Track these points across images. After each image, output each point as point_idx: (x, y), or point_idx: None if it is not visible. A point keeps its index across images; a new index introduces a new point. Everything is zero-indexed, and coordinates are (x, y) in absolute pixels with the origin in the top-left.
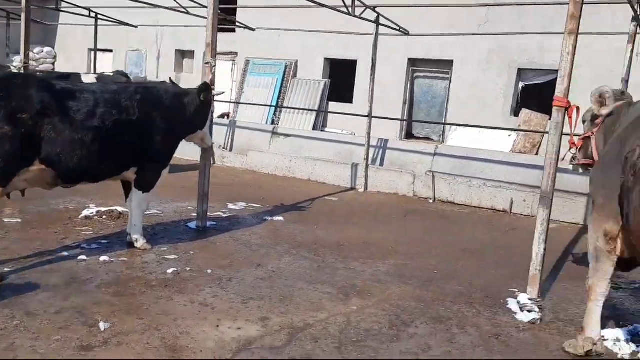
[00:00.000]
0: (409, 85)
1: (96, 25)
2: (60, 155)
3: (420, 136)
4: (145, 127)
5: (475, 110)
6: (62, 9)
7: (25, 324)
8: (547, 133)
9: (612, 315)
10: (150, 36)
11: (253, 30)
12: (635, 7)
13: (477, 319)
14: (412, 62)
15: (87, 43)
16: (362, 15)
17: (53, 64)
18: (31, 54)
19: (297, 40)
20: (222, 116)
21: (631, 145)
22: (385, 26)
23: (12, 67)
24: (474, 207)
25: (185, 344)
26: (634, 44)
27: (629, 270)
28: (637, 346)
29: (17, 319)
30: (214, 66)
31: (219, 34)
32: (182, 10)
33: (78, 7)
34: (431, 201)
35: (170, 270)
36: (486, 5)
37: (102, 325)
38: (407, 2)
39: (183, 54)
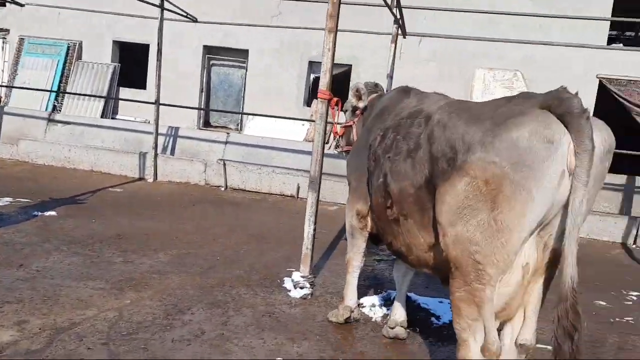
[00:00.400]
0: (205, 73)
1: None
2: None
3: (218, 125)
4: None
5: (271, 100)
6: None
7: None
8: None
9: (372, 284)
10: None
11: (22, 5)
12: (395, 11)
13: (254, 300)
14: (208, 49)
15: None
16: None
17: None
18: None
19: (81, 19)
20: None
21: (374, 134)
22: (171, 11)
23: None
24: (265, 193)
25: None
26: (395, 43)
27: (377, 244)
28: (388, 309)
29: None
30: None
31: None
32: None
33: None
34: (223, 189)
35: None
36: None
37: None
38: None
39: None
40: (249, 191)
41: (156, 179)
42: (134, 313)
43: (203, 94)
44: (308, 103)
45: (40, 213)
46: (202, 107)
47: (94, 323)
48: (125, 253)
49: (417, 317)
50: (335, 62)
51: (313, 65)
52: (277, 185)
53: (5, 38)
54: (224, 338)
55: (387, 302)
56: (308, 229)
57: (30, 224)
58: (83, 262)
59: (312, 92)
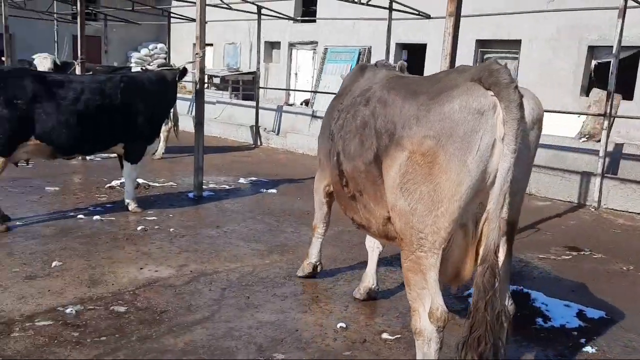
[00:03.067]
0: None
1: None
2: (51, 133)
3: None
4: (128, 110)
5: (545, 91)
6: (173, 14)
7: (1, 261)
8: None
9: None
10: (243, 30)
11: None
12: None
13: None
14: (481, 43)
15: (192, 38)
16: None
17: (165, 58)
18: (146, 50)
19: (371, 27)
20: (303, 103)
21: (334, 113)
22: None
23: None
24: None
25: (105, 279)
26: None
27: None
28: None
29: None
30: (202, 57)
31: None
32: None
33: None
34: None
35: (139, 228)
36: None
37: (54, 264)
38: None
39: (272, 45)
40: None
41: None
42: (263, 270)
43: None
44: (587, 92)
45: (265, 190)
46: None
47: (229, 273)
48: (300, 226)
49: (520, 314)
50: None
51: (594, 50)
52: None
53: (315, 49)
54: (308, 298)
55: None
56: None
57: (251, 198)
58: (263, 228)
59: (593, 80)
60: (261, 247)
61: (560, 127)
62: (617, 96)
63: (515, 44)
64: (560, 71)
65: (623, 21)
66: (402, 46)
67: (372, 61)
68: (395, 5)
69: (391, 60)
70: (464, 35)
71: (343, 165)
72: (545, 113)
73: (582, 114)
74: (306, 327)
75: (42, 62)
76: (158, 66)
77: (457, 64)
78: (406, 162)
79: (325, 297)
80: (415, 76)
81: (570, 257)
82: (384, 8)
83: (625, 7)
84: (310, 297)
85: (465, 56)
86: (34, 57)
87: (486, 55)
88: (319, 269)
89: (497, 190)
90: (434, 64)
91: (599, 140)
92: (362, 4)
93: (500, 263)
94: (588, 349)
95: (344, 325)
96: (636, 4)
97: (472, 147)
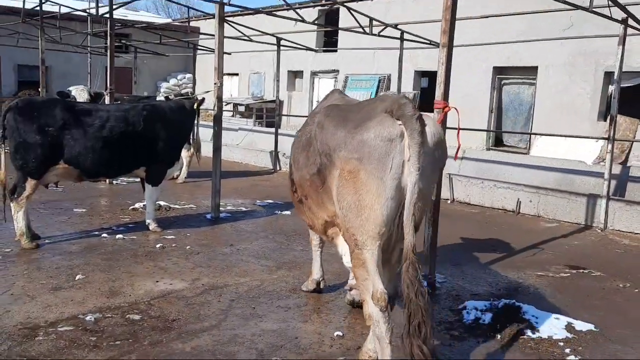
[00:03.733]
0: (495, 93)
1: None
2: (79, 157)
3: (507, 144)
4: (150, 136)
5: (562, 116)
6: (199, 46)
7: (30, 274)
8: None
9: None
10: (267, 60)
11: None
12: None
13: None
14: (498, 70)
15: None
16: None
17: (193, 87)
18: (175, 80)
19: (390, 56)
20: None
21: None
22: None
23: (160, 93)
24: (487, 207)
25: (123, 291)
26: None
27: None
28: None
29: (28, 270)
30: (219, 86)
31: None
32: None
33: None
34: (449, 202)
35: (158, 245)
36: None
37: (78, 277)
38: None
39: (295, 74)
40: (473, 205)
41: None
42: (270, 284)
43: (493, 114)
44: (605, 117)
45: (279, 212)
46: (493, 127)
47: (238, 286)
48: (309, 244)
49: (508, 326)
50: (633, 70)
51: (611, 76)
52: (499, 200)
53: (336, 77)
54: (310, 309)
55: None
56: (427, 232)
57: (265, 219)
58: (273, 246)
59: (610, 106)
60: (270, 264)
61: (580, 151)
62: (635, 120)
63: (532, 70)
64: (577, 97)
65: (623, 48)
66: (421, 73)
67: (392, 88)
68: (407, 36)
69: (411, 87)
70: (480, 63)
71: (294, 175)
72: (561, 138)
73: (585, 138)
74: (305, 335)
75: (80, 94)
76: (175, 95)
77: (474, 91)
78: (338, 178)
79: (326, 309)
80: (350, 104)
81: (569, 274)
82: (396, 39)
83: (625, 34)
84: (312, 309)
85: (483, 83)
86: (70, 88)
87: (503, 82)
88: (322, 284)
89: (407, 200)
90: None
91: (621, 163)
92: (375, 35)
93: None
94: (571, 357)
95: (340, 333)
96: (637, 32)
97: (386, 167)
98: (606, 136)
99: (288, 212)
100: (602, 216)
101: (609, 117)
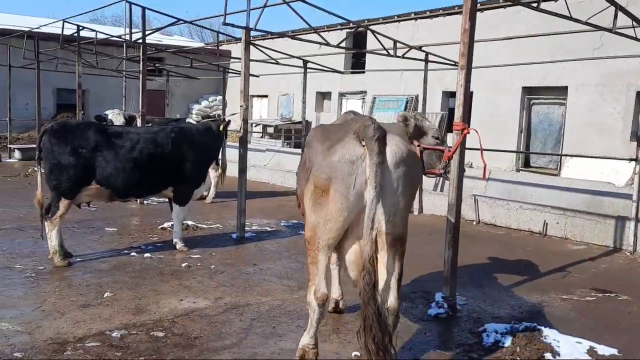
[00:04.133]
0: (524, 113)
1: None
2: (110, 178)
3: (537, 165)
4: (177, 157)
5: (593, 136)
6: (228, 69)
7: (61, 291)
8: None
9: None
10: (296, 82)
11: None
12: None
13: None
14: (528, 90)
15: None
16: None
17: (223, 109)
18: (206, 102)
19: (418, 77)
20: None
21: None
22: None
23: (191, 115)
24: (513, 229)
25: (149, 308)
26: None
27: None
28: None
29: (59, 287)
30: (245, 109)
31: (350, 76)
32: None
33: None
34: (474, 223)
35: (184, 264)
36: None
37: (106, 294)
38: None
39: (323, 95)
40: (498, 226)
41: (421, 211)
42: (291, 304)
43: (522, 134)
44: (638, 138)
45: (303, 232)
46: (522, 148)
47: (260, 305)
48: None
49: (528, 348)
50: None
51: None
52: (525, 222)
53: (364, 98)
54: (329, 329)
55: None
56: (447, 254)
57: (289, 239)
58: (296, 267)
59: None
60: (292, 284)
61: (612, 172)
62: None
63: (562, 90)
64: (608, 117)
65: None
66: (448, 94)
67: (419, 109)
68: (431, 57)
69: (438, 108)
70: (511, 84)
71: (297, 190)
72: (592, 159)
73: (611, 158)
74: (323, 354)
75: (117, 117)
76: (202, 118)
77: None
78: (313, 191)
79: (345, 329)
80: (341, 123)
81: (595, 298)
82: (421, 60)
83: None
84: (332, 329)
85: (513, 104)
86: (107, 112)
87: (532, 102)
88: (341, 304)
89: (366, 215)
90: (477, 111)
91: None
92: (399, 57)
93: (384, 269)
94: None
95: (358, 354)
96: None
97: (350, 185)
98: (635, 157)
99: None
100: (631, 239)
101: (637, 138)
